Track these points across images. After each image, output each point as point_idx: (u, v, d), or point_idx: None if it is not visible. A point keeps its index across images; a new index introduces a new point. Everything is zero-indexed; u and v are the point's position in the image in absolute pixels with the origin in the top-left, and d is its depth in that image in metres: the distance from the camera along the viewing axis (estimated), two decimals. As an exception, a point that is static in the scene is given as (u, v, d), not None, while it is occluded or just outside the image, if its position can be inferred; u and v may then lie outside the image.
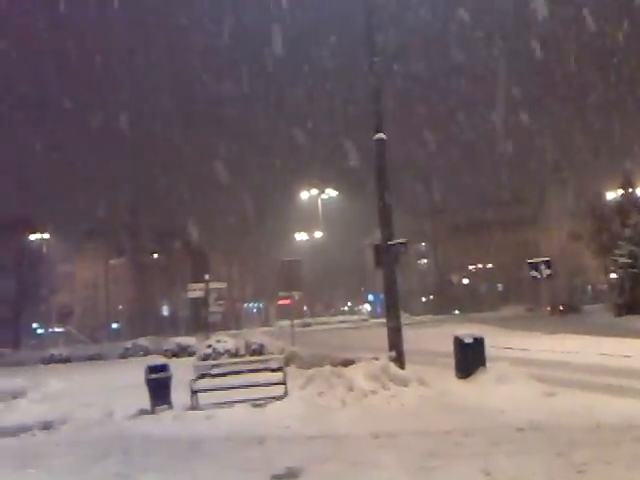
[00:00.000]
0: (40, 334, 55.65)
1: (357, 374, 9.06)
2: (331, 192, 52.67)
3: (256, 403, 8.79)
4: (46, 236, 50.93)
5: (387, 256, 10.61)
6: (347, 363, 11.10)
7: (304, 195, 52.81)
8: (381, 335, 11.62)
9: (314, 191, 52.00)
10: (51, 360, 27.22)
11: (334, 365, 10.40)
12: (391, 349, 10.18)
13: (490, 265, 74.68)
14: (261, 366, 10.42)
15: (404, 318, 11.69)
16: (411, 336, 11.16)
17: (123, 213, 58.65)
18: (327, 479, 4.89)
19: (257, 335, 19.59)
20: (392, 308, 10.61)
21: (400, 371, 9.32)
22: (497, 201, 71.71)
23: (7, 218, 49.39)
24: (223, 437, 7.00)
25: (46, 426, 8.66)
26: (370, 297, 73.68)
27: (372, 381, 8.76)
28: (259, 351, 16.11)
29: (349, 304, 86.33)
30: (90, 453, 6.76)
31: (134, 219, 60.38)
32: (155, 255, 61.73)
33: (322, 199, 52.27)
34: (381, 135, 10.88)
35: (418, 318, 49.98)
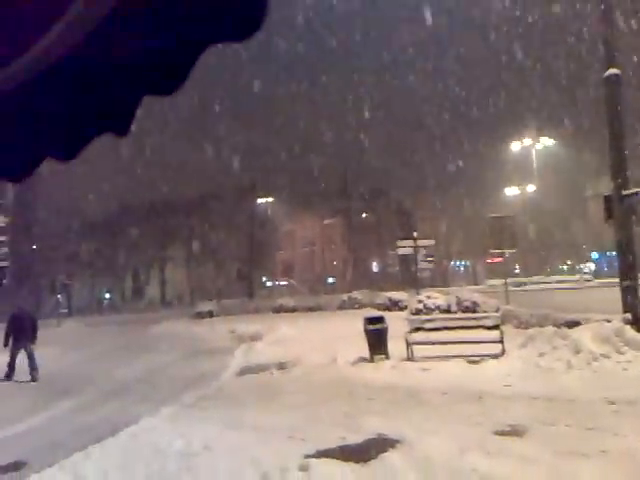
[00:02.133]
0: (269, 286, 62.64)
1: (584, 336, 8.34)
2: (547, 141, 48.18)
3: (472, 359, 8.71)
4: (270, 200, 56.54)
5: (621, 208, 9.40)
6: (572, 324, 10.27)
7: (516, 146, 49.25)
8: (610, 297, 10.47)
9: (527, 141, 48.15)
10: (280, 309, 30.39)
11: (557, 326, 9.73)
12: (626, 311, 9.11)
13: None
14: (476, 323, 10.25)
15: (640, 278, 10.31)
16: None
17: (336, 176, 61.81)
18: (556, 442, 4.64)
19: (469, 292, 19.17)
20: (627, 266, 9.43)
21: (638, 335, 8.32)
22: None
23: (239, 185, 56.05)
24: (440, 389, 7.10)
25: (281, 366, 9.80)
26: (594, 255, 66.53)
27: (603, 344, 7.99)
28: (472, 309, 15.72)
29: (568, 263, 79.10)
30: (320, 393, 7.47)
31: (346, 181, 63.31)
32: (364, 215, 64.11)
33: (536, 149, 48.18)
34: (614, 70, 9.54)
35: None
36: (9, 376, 11.20)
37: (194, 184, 54.93)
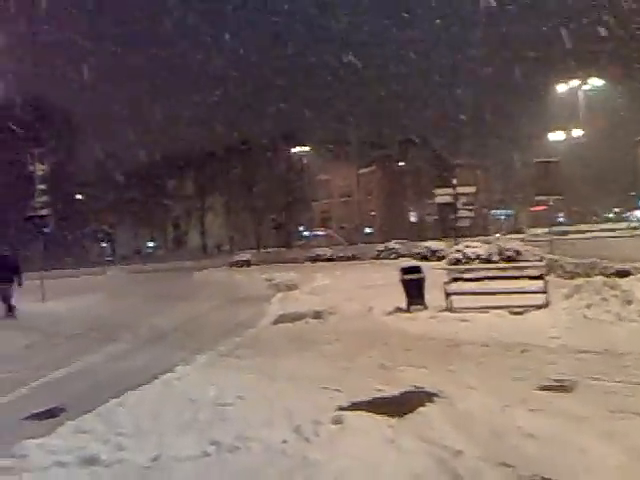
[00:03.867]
0: (306, 236, 62.87)
1: (636, 286, 7.89)
2: (595, 82, 45.34)
3: (514, 311, 8.38)
4: (307, 148, 55.80)
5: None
6: (622, 274, 9.79)
7: (561, 88, 46.61)
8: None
9: (574, 82, 45.46)
10: (317, 259, 30.47)
11: (605, 275, 9.25)
12: (683, 261, 8.55)
13: None
14: (518, 273, 9.86)
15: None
16: None
17: (372, 123, 60.48)
18: (607, 399, 4.34)
19: (511, 242, 18.60)
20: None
21: (695, 286, 7.81)
22: None
23: (276, 134, 55.60)
24: (481, 341, 6.84)
25: (316, 315, 9.70)
26: (643, 202, 63.70)
27: (657, 295, 7.52)
28: (514, 258, 15.28)
29: (615, 210, 76.28)
30: (355, 343, 7.33)
31: (381, 130, 61.98)
32: (401, 163, 62.77)
33: (584, 91, 45.51)
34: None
35: None
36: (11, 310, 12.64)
37: (231, 133, 54.73)
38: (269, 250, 40.32)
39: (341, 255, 30.79)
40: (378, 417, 4.27)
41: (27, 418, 5.07)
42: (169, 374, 6.05)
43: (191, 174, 60.48)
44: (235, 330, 9.21)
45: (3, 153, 48.67)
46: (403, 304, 9.50)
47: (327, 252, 31.73)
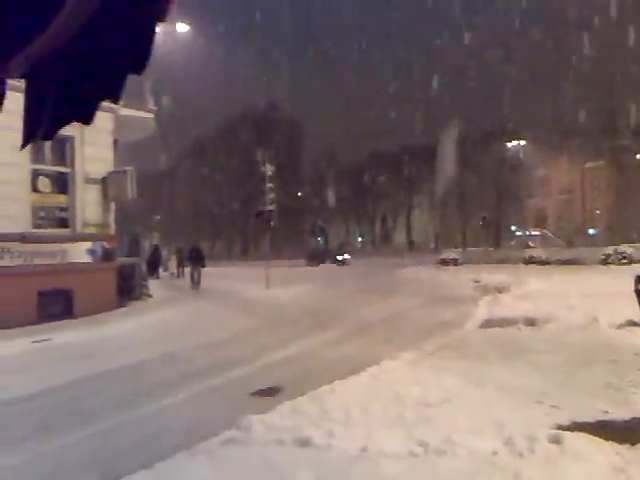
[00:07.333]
0: (518, 236, 59.04)
1: None
2: None
3: None
4: (522, 143, 52.23)
5: None
6: None
7: None
8: None
9: None
10: (530, 261, 28.37)
11: None
12: None
13: None
14: None
15: None
16: None
17: (600, 113, 54.01)
18: None
19: None
20: None
21: None
22: None
23: (488, 127, 53.32)
24: None
25: (530, 322, 9.01)
26: None
27: None
28: None
29: None
30: (575, 356, 6.63)
31: (612, 119, 54.93)
32: (638, 155, 54.86)
33: None
34: None
35: None
36: (197, 284, 18.53)
37: (440, 129, 54.06)
38: (476, 249, 38.84)
39: (559, 258, 28.12)
40: (603, 442, 3.80)
41: (252, 394, 5.69)
42: (375, 367, 6.21)
43: (400, 170, 61.41)
44: (440, 330, 9.08)
45: (242, 156, 55.54)
46: (637, 317, 8.30)
47: (542, 254, 29.27)
